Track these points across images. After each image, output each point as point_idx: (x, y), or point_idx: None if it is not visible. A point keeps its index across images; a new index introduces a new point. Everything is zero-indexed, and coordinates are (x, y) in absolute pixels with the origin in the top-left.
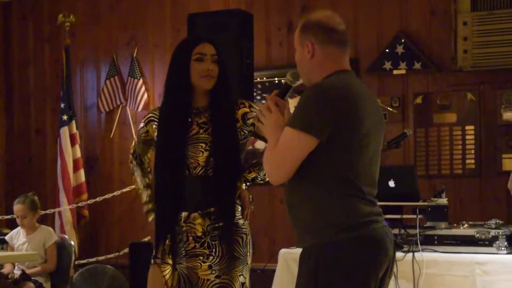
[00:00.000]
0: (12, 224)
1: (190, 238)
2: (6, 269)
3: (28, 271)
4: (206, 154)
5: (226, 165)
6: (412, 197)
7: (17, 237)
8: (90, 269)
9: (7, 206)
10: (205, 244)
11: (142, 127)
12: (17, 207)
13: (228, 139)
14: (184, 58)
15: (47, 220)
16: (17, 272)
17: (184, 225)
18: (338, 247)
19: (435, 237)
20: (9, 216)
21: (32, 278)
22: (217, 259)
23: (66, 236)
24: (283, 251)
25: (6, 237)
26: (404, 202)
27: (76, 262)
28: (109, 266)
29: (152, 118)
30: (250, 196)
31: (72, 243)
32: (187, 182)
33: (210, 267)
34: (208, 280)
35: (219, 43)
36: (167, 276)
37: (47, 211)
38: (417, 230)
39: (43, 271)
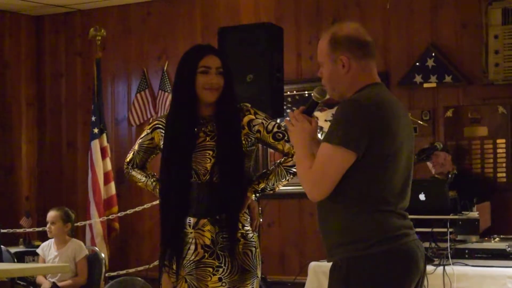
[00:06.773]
0: (43, 236)
1: (199, 247)
2: (45, 284)
3: (59, 284)
4: (213, 161)
5: (230, 172)
6: (443, 211)
7: (48, 250)
8: (120, 281)
9: (38, 218)
10: (214, 255)
11: (147, 134)
12: (51, 213)
13: (232, 147)
14: (190, 70)
15: (78, 233)
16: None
17: (192, 231)
18: (369, 261)
19: (466, 251)
20: (40, 229)
21: None
22: (227, 272)
23: (97, 249)
24: (313, 264)
25: (38, 250)
26: (434, 215)
27: (106, 275)
28: (139, 279)
29: (158, 125)
30: (260, 208)
31: (103, 255)
32: (195, 187)
33: (220, 279)
34: None
35: (248, 55)
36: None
37: (78, 224)
38: (448, 244)
39: (74, 284)
